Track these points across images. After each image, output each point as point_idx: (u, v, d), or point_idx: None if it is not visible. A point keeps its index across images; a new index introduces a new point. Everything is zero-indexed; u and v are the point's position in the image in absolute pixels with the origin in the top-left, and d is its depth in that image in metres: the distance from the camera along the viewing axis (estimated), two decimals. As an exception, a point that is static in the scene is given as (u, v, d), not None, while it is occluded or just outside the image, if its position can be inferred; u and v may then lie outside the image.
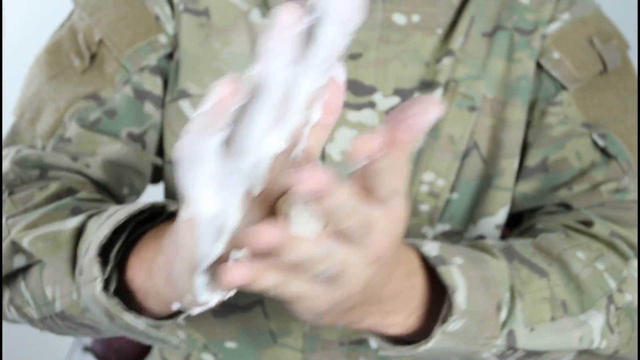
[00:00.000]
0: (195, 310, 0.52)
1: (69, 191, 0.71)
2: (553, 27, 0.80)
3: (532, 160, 0.79)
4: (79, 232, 0.62)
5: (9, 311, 0.70)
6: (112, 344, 1.01)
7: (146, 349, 1.01)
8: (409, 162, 0.50)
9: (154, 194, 0.91)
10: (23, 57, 1.82)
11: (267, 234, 0.42)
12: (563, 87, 0.79)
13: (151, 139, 0.81)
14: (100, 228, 0.59)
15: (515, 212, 0.82)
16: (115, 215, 0.59)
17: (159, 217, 0.62)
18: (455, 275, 0.58)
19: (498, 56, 0.79)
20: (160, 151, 0.83)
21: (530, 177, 0.80)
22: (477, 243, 0.67)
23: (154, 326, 0.60)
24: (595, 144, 0.78)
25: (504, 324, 0.61)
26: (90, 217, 0.64)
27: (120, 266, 0.60)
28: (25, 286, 0.67)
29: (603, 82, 0.80)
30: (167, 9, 0.80)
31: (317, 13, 0.42)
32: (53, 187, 0.71)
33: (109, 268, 0.58)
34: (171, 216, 0.60)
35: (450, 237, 0.81)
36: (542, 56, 0.79)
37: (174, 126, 0.80)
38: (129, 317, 0.58)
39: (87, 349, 1.02)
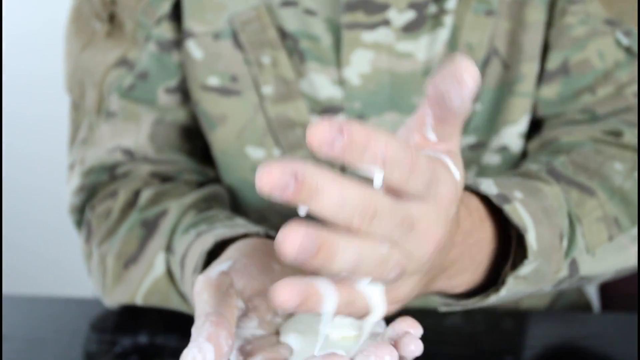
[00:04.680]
0: None
1: (135, 194, 0.76)
2: None
3: (553, 63, 0.75)
4: (170, 274, 0.70)
5: None
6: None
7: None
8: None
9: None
10: (23, 57, 1.84)
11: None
12: None
13: (184, 86, 0.80)
14: (185, 282, 0.64)
15: (536, 119, 0.78)
16: (187, 269, 0.63)
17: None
18: (521, 212, 0.55)
19: None
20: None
21: (551, 80, 0.76)
22: (523, 171, 0.64)
23: None
24: (618, 42, 0.74)
25: (567, 254, 0.59)
26: (167, 250, 0.70)
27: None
28: None
29: None
30: None
31: None
32: (122, 195, 0.76)
33: None
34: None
35: (476, 149, 0.78)
36: None
37: (187, 68, 0.78)
38: None
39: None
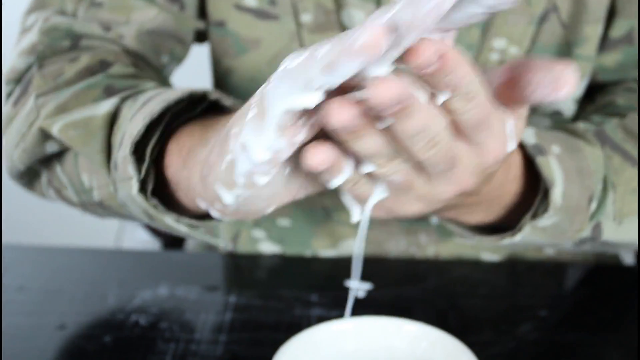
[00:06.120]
0: (216, 216, 0.48)
1: (102, 64, 0.64)
2: None
3: (618, 30, 0.72)
4: (113, 118, 0.56)
5: (47, 192, 0.66)
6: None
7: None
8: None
9: (199, 55, 0.87)
10: None
11: (389, 85, 0.36)
12: None
13: (191, 0, 0.74)
14: (134, 119, 0.53)
15: (592, 85, 0.75)
16: (150, 103, 0.53)
17: (198, 105, 0.55)
18: (553, 166, 0.54)
19: None
20: (203, 13, 0.76)
21: (613, 49, 0.72)
22: (570, 127, 0.61)
23: (194, 227, 0.55)
24: None
25: (592, 216, 0.57)
26: (124, 99, 0.58)
27: (158, 155, 0.54)
28: (62, 170, 0.62)
29: None
30: None
31: None
32: (84, 60, 0.64)
33: (144, 166, 0.52)
34: (213, 106, 0.55)
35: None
36: None
37: None
38: (169, 219, 0.53)
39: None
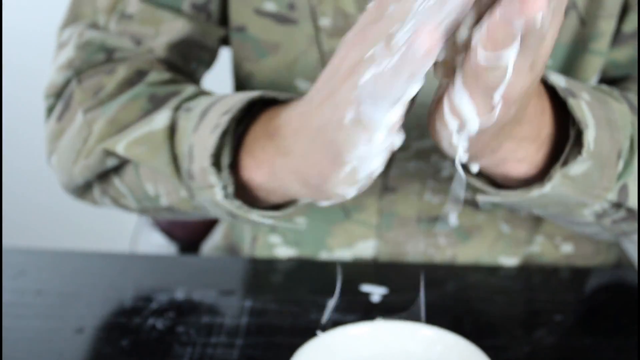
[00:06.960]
0: (328, 203, 0.53)
1: (139, 74, 0.68)
2: None
3: (629, 25, 0.71)
4: (172, 130, 0.62)
5: (101, 201, 0.70)
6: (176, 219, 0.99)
7: (210, 225, 0.99)
8: None
9: (221, 58, 0.87)
10: (23, 57, 1.80)
11: None
12: None
13: (215, 7, 0.75)
14: (199, 131, 0.57)
15: (602, 81, 0.75)
16: (211, 114, 0.57)
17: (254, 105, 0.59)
18: (584, 109, 0.53)
19: None
20: (225, 18, 0.77)
21: (623, 43, 0.72)
22: (596, 85, 0.61)
23: (280, 218, 0.60)
24: None
25: (620, 176, 0.56)
26: (176, 110, 0.62)
27: (231, 163, 0.59)
28: (120, 182, 0.66)
29: None
30: None
31: None
32: (121, 71, 0.68)
33: (223, 174, 0.57)
34: (268, 104, 0.58)
35: None
36: None
37: None
38: (254, 216, 0.58)
39: (152, 224, 1.00)
